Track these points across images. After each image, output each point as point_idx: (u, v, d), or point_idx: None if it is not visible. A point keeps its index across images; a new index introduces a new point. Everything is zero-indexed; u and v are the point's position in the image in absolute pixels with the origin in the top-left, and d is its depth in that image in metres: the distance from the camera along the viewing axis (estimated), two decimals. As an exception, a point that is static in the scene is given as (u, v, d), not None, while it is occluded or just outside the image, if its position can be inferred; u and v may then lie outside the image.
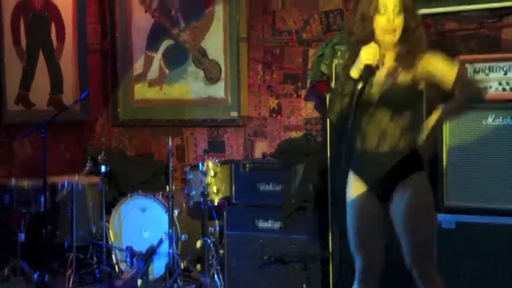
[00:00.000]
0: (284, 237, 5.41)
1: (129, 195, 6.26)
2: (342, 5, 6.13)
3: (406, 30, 3.66)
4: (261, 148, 6.45)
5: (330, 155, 5.24)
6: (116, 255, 6.24)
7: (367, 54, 3.57)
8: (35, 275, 5.82)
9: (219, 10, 6.64)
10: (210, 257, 5.81)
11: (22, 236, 6.09)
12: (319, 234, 5.29)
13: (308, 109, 6.29)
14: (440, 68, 3.70)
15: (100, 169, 6.12)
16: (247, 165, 5.70)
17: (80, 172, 6.34)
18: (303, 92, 6.32)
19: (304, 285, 5.24)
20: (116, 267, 6.19)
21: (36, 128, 5.95)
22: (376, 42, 3.63)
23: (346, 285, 4.06)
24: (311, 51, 6.21)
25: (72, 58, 6.98)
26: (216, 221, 6.03)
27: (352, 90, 3.60)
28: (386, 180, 3.73)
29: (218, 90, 6.65)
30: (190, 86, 6.81)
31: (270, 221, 5.52)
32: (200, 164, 5.85)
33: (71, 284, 5.80)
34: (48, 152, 6.25)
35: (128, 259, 6.10)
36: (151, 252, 5.93)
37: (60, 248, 6.14)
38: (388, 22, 3.62)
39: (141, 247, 6.03)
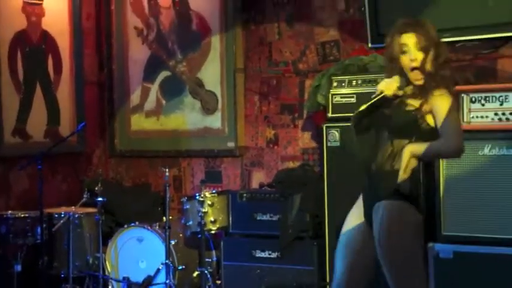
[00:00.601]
0: (282, 266, 5.41)
1: (125, 226, 6.25)
2: (338, 36, 6.17)
3: (432, 67, 3.79)
4: (258, 178, 6.45)
5: (326, 185, 5.26)
6: (112, 286, 6.21)
7: (385, 83, 3.82)
8: (31, 308, 5.79)
9: (215, 41, 6.67)
10: (208, 288, 5.81)
11: (18, 268, 6.06)
12: (317, 264, 5.29)
13: (305, 139, 6.30)
14: (438, 106, 3.77)
15: (97, 200, 6.11)
16: (244, 195, 5.72)
17: (77, 203, 6.33)
18: (300, 123, 6.34)
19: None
20: (113, 298, 6.17)
21: (32, 160, 5.94)
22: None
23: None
24: (307, 82, 6.24)
25: (69, 90, 6.99)
26: (213, 251, 6.02)
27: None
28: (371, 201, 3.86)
29: (215, 121, 6.67)
30: (187, 117, 6.83)
31: (267, 251, 5.52)
32: (197, 195, 5.86)
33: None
34: (45, 183, 6.25)
35: (125, 290, 6.09)
36: (148, 282, 5.92)
37: (57, 279, 6.10)
38: (411, 60, 3.78)
39: (138, 278, 6.01)
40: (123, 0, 7.11)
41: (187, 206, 5.89)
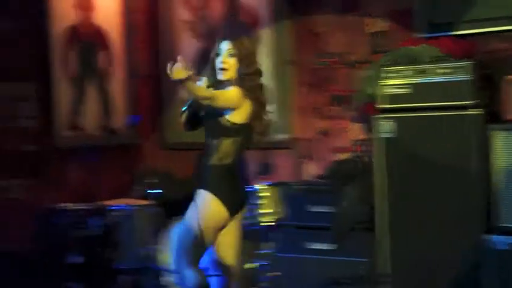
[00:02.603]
0: (336, 258, 5.41)
1: (178, 218, 6.31)
2: (388, 26, 6.15)
3: (243, 76, 4.45)
4: (310, 170, 6.47)
5: (377, 176, 5.26)
6: (168, 278, 6.28)
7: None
8: (89, 299, 5.89)
9: (265, 33, 6.69)
10: (263, 280, 5.86)
11: (77, 259, 6.18)
12: (373, 256, 5.30)
13: (356, 131, 6.30)
14: None
15: (150, 192, 6.19)
16: (298, 186, 5.74)
17: (130, 195, 6.42)
18: (350, 114, 6.34)
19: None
20: (168, 289, 6.25)
21: (87, 153, 6.04)
22: None
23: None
24: (357, 73, 6.23)
25: (122, 83, 7.10)
26: (268, 243, 6.06)
27: None
28: None
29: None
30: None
31: (322, 242, 5.54)
32: (251, 187, 5.90)
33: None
34: (99, 175, 6.36)
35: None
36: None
37: (114, 271, 6.21)
38: (220, 62, 4.47)
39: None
40: (173, -7, 7.18)
41: (241, 198, 5.93)
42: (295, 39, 6.59)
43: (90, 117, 6.87)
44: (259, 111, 4.50)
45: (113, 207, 6.24)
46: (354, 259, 5.34)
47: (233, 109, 4.40)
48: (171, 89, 7.21)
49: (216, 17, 6.97)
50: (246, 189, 4.66)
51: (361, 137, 6.28)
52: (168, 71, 4.26)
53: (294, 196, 5.72)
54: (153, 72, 7.33)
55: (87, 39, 6.85)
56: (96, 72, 6.92)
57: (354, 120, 6.34)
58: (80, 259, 6.19)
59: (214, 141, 4.43)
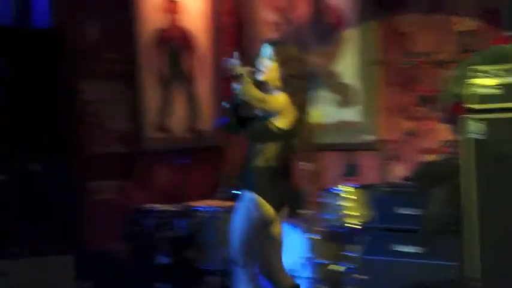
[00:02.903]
0: (425, 262, 5.34)
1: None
2: (476, 25, 6.04)
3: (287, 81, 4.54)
4: (397, 171, 6.41)
5: (466, 178, 5.17)
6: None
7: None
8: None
9: (351, 33, 6.66)
10: (349, 282, 5.83)
11: (165, 260, 6.28)
12: (461, 259, 5.20)
13: (444, 131, 6.21)
14: None
15: (235, 194, 6.22)
16: (385, 188, 5.69)
17: (218, 197, 6.47)
18: (438, 115, 6.25)
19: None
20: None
21: (175, 155, 6.13)
22: None
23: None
24: (445, 73, 6.13)
25: (209, 86, 7.17)
26: (355, 246, 6.03)
27: None
28: None
29: (352, 114, 6.67)
30: (323, 110, 6.85)
31: (409, 245, 5.47)
32: (336, 189, 5.89)
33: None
34: (187, 177, 6.44)
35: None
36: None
37: (201, 271, 6.27)
38: (261, 65, 4.60)
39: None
40: (259, -5, 7.21)
41: (327, 200, 5.93)
42: (382, 39, 6.54)
43: (178, 119, 6.96)
44: (303, 116, 4.56)
45: (199, 208, 6.30)
46: (442, 262, 5.25)
47: (279, 114, 4.46)
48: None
49: (302, 18, 6.96)
50: (295, 192, 4.73)
51: (449, 138, 6.18)
52: (228, 66, 4.46)
53: (381, 198, 5.66)
54: (239, 74, 7.37)
55: (175, 42, 6.94)
56: (184, 75, 7.01)
57: (442, 121, 6.23)
58: (167, 260, 6.28)
59: (259, 145, 4.49)
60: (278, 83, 4.57)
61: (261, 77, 4.59)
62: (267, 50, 4.63)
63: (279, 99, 4.49)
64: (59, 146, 6.22)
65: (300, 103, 4.56)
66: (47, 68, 6.23)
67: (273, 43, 4.70)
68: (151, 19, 6.82)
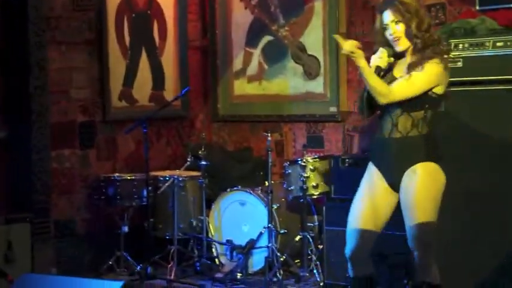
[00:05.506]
0: (384, 232, 5.33)
1: (228, 189, 6.33)
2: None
3: (417, 38, 4.23)
4: (360, 144, 6.41)
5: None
6: (216, 249, 6.32)
7: (374, 59, 4.31)
8: (138, 267, 5.93)
9: (318, 6, 6.64)
10: (309, 252, 5.85)
11: (125, 229, 6.26)
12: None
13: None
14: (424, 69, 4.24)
15: (200, 164, 6.21)
16: (347, 160, 5.69)
17: (181, 167, 6.45)
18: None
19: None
20: (216, 260, 6.28)
21: (138, 124, 6.08)
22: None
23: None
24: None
25: (174, 55, 7.11)
26: (315, 216, 6.04)
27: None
28: (396, 168, 4.29)
29: (317, 86, 6.66)
30: (289, 82, 6.84)
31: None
32: (299, 159, 5.89)
33: (172, 276, 5.91)
34: (150, 147, 6.41)
35: (228, 252, 6.18)
36: (251, 246, 5.99)
37: (162, 241, 6.26)
38: (390, 35, 4.28)
39: (241, 241, 6.10)
40: (226, -35, 7.15)
41: (289, 171, 5.92)
42: (349, 12, 6.51)
43: (142, 88, 6.90)
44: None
45: (163, 178, 6.28)
46: (399, 233, 5.19)
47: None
48: (223, 60, 7.22)
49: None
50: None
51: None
52: (338, 40, 4.31)
53: (343, 169, 5.63)
54: (205, 44, 7.33)
55: (141, 10, 6.88)
56: (149, 43, 6.95)
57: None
58: (128, 228, 6.26)
59: (392, 116, 4.27)
60: (420, 43, 4.23)
61: (398, 48, 4.29)
62: (388, 17, 4.25)
63: (427, 72, 4.19)
64: (22, 114, 6.16)
65: (442, 53, 4.29)
66: (10, 35, 6.16)
67: (389, 3, 4.27)
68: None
